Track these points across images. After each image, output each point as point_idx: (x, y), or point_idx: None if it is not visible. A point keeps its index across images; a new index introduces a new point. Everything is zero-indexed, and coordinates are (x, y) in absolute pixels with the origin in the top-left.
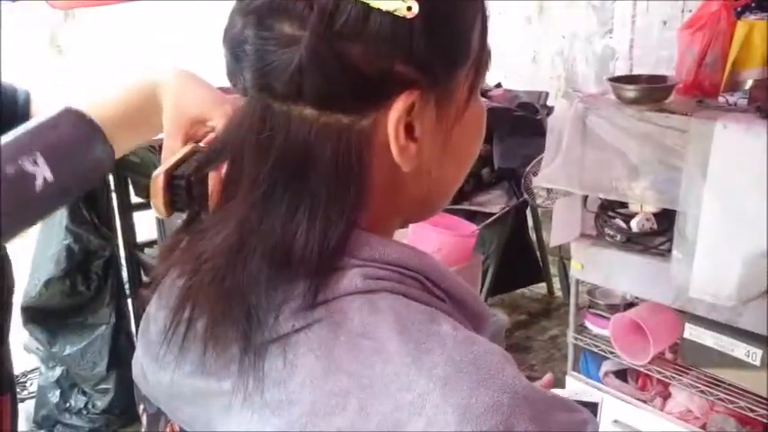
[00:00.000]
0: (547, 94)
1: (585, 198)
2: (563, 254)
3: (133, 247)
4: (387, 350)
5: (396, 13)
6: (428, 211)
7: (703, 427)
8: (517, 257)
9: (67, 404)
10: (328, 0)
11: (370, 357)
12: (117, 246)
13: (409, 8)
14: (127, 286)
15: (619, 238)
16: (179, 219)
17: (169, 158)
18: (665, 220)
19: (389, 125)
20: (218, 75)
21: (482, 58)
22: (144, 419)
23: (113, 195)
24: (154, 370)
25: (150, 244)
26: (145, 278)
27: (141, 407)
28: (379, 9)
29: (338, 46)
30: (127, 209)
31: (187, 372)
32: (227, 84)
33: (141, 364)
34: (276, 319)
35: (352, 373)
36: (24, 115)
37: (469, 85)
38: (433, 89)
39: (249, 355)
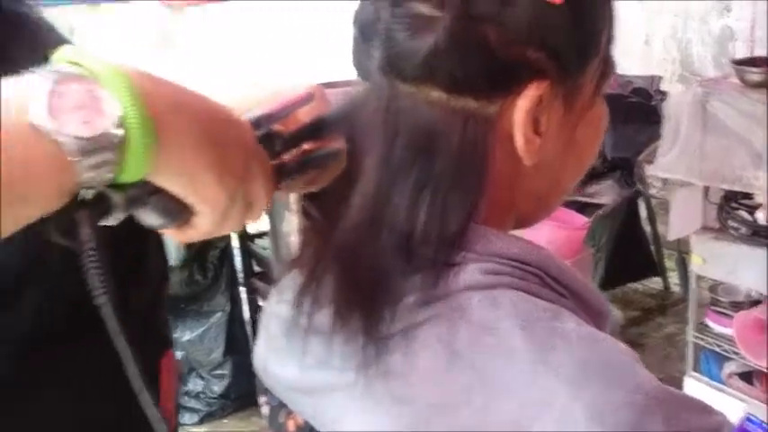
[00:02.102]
0: (660, 78)
1: (707, 189)
2: (681, 247)
3: (246, 238)
4: (510, 347)
5: None
6: (543, 210)
7: None
8: (630, 250)
9: (186, 388)
10: None
11: (493, 354)
12: (231, 237)
13: None
14: (240, 276)
15: (743, 230)
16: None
17: None
18: None
19: (517, 113)
20: (322, 72)
21: (609, 56)
22: (266, 411)
23: None
24: (275, 363)
25: (261, 235)
26: (257, 268)
27: (263, 399)
28: None
29: (477, 28)
30: None
31: (309, 364)
32: (327, 80)
33: (263, 358)
34: (395, 312)
35: (476, 370)
36: None
37: (596, 82)
38: (563, 82)
39: (370, 347)
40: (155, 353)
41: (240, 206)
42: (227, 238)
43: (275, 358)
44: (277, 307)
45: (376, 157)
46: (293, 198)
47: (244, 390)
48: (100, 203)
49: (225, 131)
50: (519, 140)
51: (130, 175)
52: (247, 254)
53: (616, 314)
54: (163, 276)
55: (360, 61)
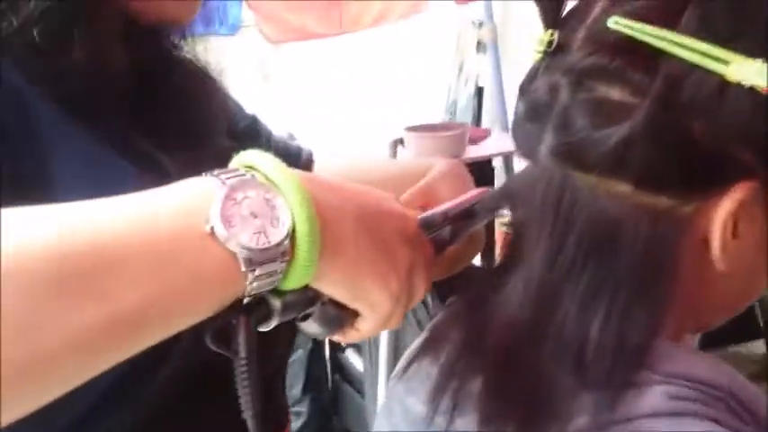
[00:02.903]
0: None
1: None
2: None
3: None
4: None
5: (759, 91)
6: (726, 316)
7: None
8: None
9: None
10: (677, 67)
11: None
12: None
13: None
14: None
15: None
16: None
17: None
18: None
19: (718, 216)
20: (419, 109)
21: None
22: None
23: None
24: None
25: None
26: None
27: None
28: (739, 84)
29: (680, 120)
30: None
31: None
32: (431, 121)
33: None
34: None
35: None
36: (306, 168)
37: None
38: None
39: None
40: (277, 428)
41: (403, 303)
42: None
43: None
44: (405, 397)
45: (542, 252)
46: None
47: (319, 428)
48: (259, 309)
49: (389, 231)
50: (716, 245)
51: (293, 284)
52: None
53: None
54: (290, 343)
55: (524, 139)
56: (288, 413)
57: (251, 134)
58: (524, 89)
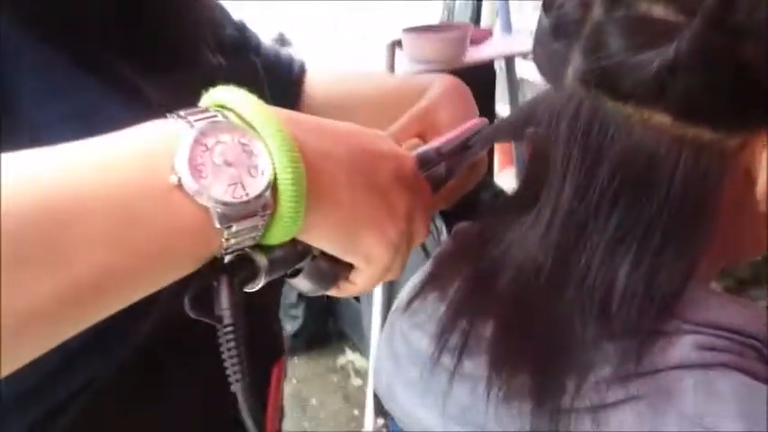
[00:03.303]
0: None
1: None
2: None
3: None
4: None
5: None
6: (756, 254)
7: None
8: None
9: None
10: None
11: None
12: None
13: None
14: None
15: None
16: None
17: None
18: None
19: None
20: (418, 9)
21: None
22: None
23: None
24: (410, 400)
25: None
26: None
27: (380, 421)
28: None
29: (732, 41)
30: None
31: (451, 414)
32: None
33: (388, 382)
34: (579, 384)
35: None
36: (298, 81)
37: None
38: None
39: (543, 419)
40: (266, 365)
41: (403, 252)
42: None
43: (409, 394)
44: (410, 332)
45: (566, 188)
46: None
47: (314, 331)
48: (243, 268)
49: (385, 175)
50: (762, 181)
51: (276, 239)
52: None
53: None
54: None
55: (548, 60)
56: (282, 342)
57: (239, 47)
58: (549, 2)
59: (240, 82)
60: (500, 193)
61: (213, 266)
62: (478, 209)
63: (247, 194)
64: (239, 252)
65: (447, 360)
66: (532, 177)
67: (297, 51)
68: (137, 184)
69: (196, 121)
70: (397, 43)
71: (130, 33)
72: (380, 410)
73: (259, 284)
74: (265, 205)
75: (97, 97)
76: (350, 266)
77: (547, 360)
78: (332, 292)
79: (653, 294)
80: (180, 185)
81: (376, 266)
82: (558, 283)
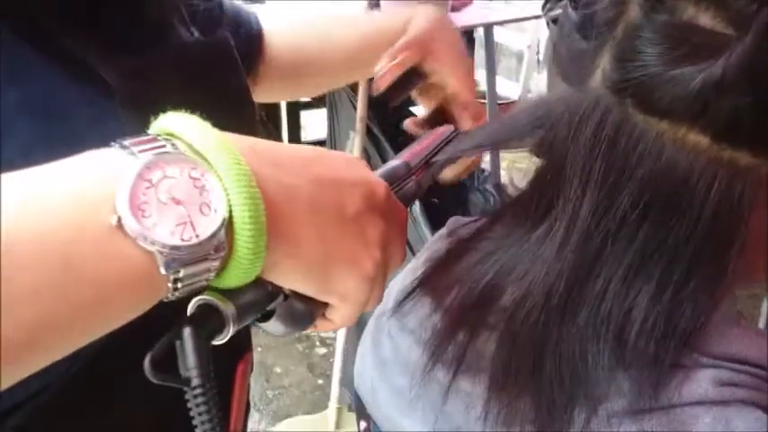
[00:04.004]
0: None
1: None
2: None
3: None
4: None
5: None
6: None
7: None
8: None
9: None
10: None
11: None
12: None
13: None
14: None
15: None
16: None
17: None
18: None
19: None
20: None
21: None
22: None
23: None
24: (394, 409)
25: (314, 144)
26: None
27: (364, 425)
28: None
29: None
30: (294, 106)
31: (443, 430)
32: None
33: (373, 389)
34: (589, 417)
35: None
36: (259, 35)
37: None
38: None
39: None
40: (232, 362)
41: (380, 282)
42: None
43: (395, 403)
44: (398, 336)
45: (585, 205)
46: (360, 116)
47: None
48: (207, 320)
49: (355, 203)
50: None
51: (234, 281)
52: None
53: None
54: None
55: (571, 58)
56: (249, 336)
57: (212, 18)
58: None
59: (215, 59)
60: (500, 187)
61: (175, 321)
62: (467, 201)
63: (198, 236)
64: (203, 302)
65: (441, 374)
66: (544, 182)
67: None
68: (74, 226)
69: (141, 152)
70: (376, 5)
71: (91, 9)
72: (361, 413)
73: (228, 335)
74: (218, 246)
75: (52, 83)
76: (325, 304)
77: (554, 387)
78: (308, 330)
79: (673, 327)
80: (120, 226)
81: (353, 302)
82: (570, 307)
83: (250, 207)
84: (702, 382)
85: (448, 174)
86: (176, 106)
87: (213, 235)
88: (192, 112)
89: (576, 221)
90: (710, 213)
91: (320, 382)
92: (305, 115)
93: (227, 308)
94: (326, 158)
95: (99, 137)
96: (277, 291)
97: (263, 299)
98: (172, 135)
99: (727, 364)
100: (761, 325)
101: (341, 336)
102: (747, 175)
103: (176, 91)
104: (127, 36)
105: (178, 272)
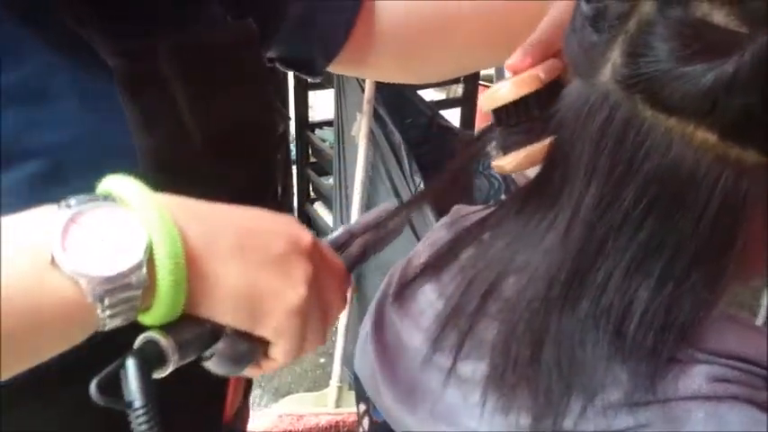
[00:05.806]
0: None
1: None
2: None
3: (305, 125)
4: None
5: None
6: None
7: None
8: None
9: None
10: None
11: None
12: (288, 123)
13: None
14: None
15: None
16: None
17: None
18: None
19: None
20: None
21: None
22: (366, 424)
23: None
24: (394, 396)
25: (322, 125)
26: (312, 159)
27: (363, 408)
28: None
29: None
30: (303, 86)
31: (438, 413)
32: None
33: (373, 374)
34: (585, 406)
35: None
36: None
37: None
38: None
39: None
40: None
41: (316, 320)
42: (286, 124)
43: (395, 390)
44: (400, 322)
45: (589, 199)
46: (367, 98)
47: None
48: (149, 352)
49: (279, 246)
50: None
51: (161, 313)
52: (305, 143)
53: None
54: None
55: (581, 51)
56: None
57: None
58: None
59: (229, 44)
60: (507, 179)
61: (120, 351)
62: (472, 192)
63: (120, 268)
64: (147, 338)
65: (441, 359)
66: (550, 174)
67: None
68: (16, 269)
69: (77, 204)
70: None
71: None
72: (362, 396)
73: (170, 368)
74: (139, 277)
75: (46, 66)
76: (266, 342)
77: (553, 376)
78: (254, 372)
79: (672, 321)
80: (53, 263)
81: (288, 337)
82: (571, 298)
83: (168, 244)
84: (696, 377)
85: (509, 164)
86: (179, 89)
87: (135, 267)
88: (196, 96)
89: (580, 213)
90: (715, 210)
91: (322, 360)
92: (313, 95)
93: (168, 342)
94: (253, 213)
95: (93, 120)
96: (219, 329)
97: (204, 335)
98: (109, 193)
99: (720, 360)
100: (761, 317)
101: (343, 315)
102: (753, 173)
103: (180, 75)
104: (138, 17)
105: (104, 300)
